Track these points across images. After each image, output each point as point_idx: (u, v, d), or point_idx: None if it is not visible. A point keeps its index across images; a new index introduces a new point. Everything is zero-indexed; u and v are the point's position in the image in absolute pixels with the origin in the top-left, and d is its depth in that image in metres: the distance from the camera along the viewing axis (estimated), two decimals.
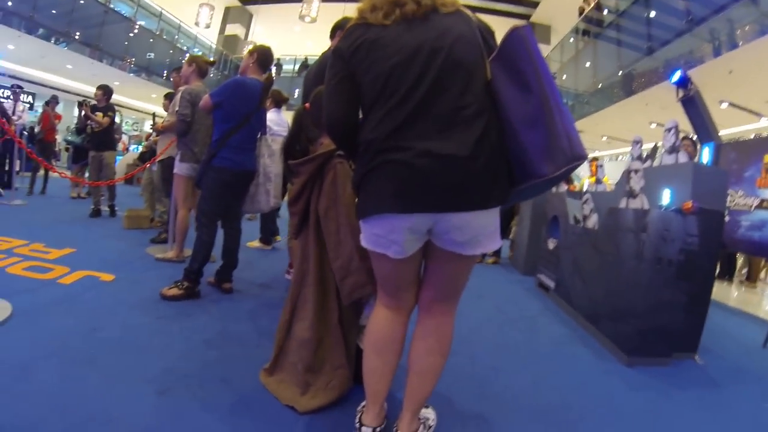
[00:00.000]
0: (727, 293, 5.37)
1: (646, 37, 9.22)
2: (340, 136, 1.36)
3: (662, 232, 2.48)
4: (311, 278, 1.77)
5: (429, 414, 1.64)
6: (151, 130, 5.98)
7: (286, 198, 2.89)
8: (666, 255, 2.49)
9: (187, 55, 8.44)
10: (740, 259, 6.76)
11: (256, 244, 4.69)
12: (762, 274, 6.73)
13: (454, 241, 1.24)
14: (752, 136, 8.07)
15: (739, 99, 10.27)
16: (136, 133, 17.83)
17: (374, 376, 1.47)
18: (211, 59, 3.42)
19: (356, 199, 1.71)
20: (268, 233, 4.70)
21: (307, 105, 1.86)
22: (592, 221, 3.36)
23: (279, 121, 4.14)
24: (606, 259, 3.02)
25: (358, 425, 1.50)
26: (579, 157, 1.13)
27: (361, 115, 1.31)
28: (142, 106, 17.41)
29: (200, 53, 16.16)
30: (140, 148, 10.00)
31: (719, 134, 4.63)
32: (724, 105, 10.24)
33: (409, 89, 1.17)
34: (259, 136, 2.87)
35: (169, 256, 3.46)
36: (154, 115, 5.47)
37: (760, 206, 4.47)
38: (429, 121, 1.17)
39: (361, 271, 1.64)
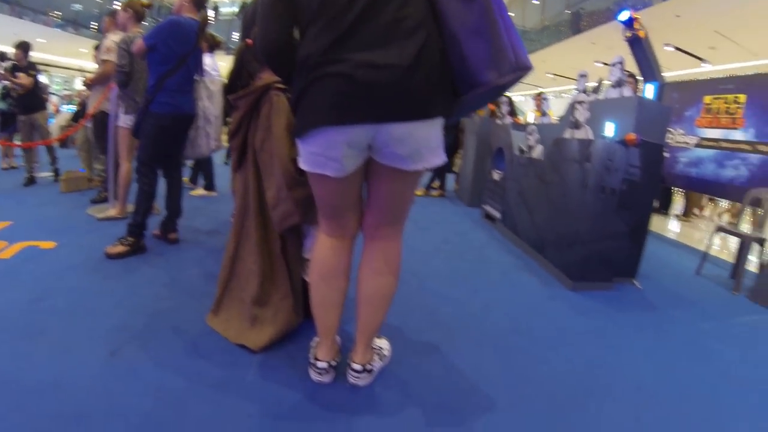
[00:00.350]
0: (663, 225, 5.73)
1: None
2: (275, 58, 1.28)
3: (606, 162, 2.56)
4: (252, 211, 1.77)
5: (383, 344, 1.66)
6: (84, 86, 5.50)
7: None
8: (609, 184, 2.59)
9: (118, 2, 7.71)
10: (677, 196, 7.20)
11: (200, 191, 4.55)
12: (696, 211, 7.22)
13: (396, 155, 1.21)
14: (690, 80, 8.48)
15: (684, 44, 10.62)
16: (67, 92, 16.45)
17: (323, 308, 1.46)
18: (146, 1, 3.13)
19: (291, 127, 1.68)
20: (212, 178, 4.59)
21: (249, 41, 1.81)
22: (538, 152, 3.43)
23: (213, 65, 3.91)
24: (551, 189, 3.12)
25: (312, 360, 1.50)
26: (524, 67, 1.12)
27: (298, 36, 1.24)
28: (72, 62, 16.00)
29: None
30: (73, 108, 9.27)
31: (663, 75, 4.78)
32: (669, 48, 10.55)
33: (348, 2, 1.12)
34: (196, 77, 2.70)
35: (111, 213, 3.29)
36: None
37: (698, 145, 4.72)
38: (368, 32, 1.11)
39: (289, 201, 1.65)
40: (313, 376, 1.50)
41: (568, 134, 2.98)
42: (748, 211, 3.71)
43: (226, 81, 1.93)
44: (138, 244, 2.56)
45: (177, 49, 2.50)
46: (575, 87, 3.22)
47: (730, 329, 2.48)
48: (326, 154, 1.20)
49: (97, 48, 4.03)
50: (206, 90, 2.74)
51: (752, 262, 3.32)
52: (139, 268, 2.37)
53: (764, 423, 1.61)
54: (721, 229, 3.58)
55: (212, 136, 2.79)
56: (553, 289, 2.73)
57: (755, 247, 3.24)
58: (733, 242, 5.14)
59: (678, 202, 7.33)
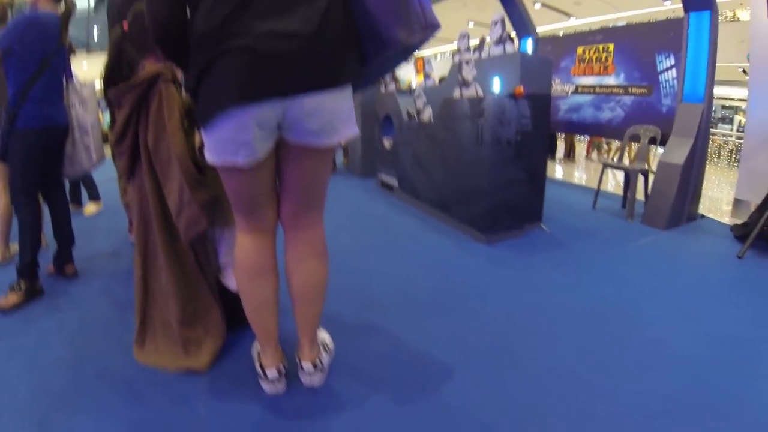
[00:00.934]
0: (552, 169, 6.25)
1: None
2: (169, 40, 1.14)
3: (499, 116, 2.69)
4: (155, 223, 1.56)
5: (324, 336, 1.59)
6: None
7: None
8: (504, 136, 2.74)
9: None
10: (560, 140, 7.89)
11: (91, 208, 4.03)
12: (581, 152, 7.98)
13: (308, 130, 1.13)
14: (561, 34, 9.23)
15: (551, 0, 11.46)
16: None
17: (258, 311, 1.35)
18: None
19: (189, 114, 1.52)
20: (95, 186, 4.09)
21: (125, 24, 1.58)
22: (427, 115, 3.50)
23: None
24: (446, 148, 3.21)
25: (260, 371, 1.39)
26: (433, 25, 1.08)
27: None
28: None
29: None
30: None
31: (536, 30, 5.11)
32: (537, 5, 11.34)
33: None
34: (65, 82, 2.33)
35: None
36: None
37: (576, 91, 5.15)
38: (267, 0, 1.02)
39: (193, 204, 1.47)
40: (267, 388, 1.40)
41: (457, 93, 3.07)
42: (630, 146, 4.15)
43: (101, 76, 1.68)
44: (33, 287, 2.17)
45: (38, 50, 2.12)
46: (457, 46, 3.31)
47: (632, 252, 2.82)
48: (236, 139, 1.09)
49: None
50: (77, 95, 2.37)
51: (639, 192, 3.73)
52: (42, 315, 2.02)
53: (673, 319, 1.92)
54: (607, 165, 3.97)
55: (92, 147, 2.43)
56: (466, 245, 2.85)
57: (639, 177, 3.63)
58: (612, 176, 5.77)
59: (560, 146, 8.03)
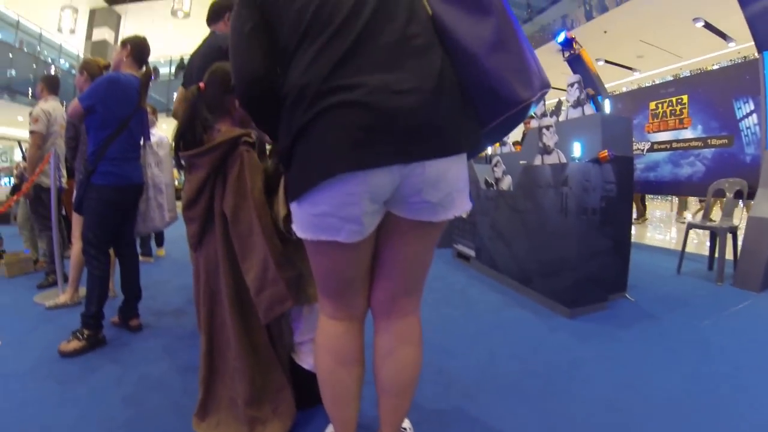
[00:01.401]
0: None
1: (525, 5, 9.73)
2: (257, 98, 1.03)
3: (583, 183, 2.53)
4: (225, 297, 1.48)
5: (405, 423, 1.45)
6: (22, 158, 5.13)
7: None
8: (590, 204, 2.56)
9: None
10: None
11: (162, 252, 4.26)
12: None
13: (425, 204, 0.99)
14: (624, 89, 9.04)
15: (613, 56, 11.33)
16: (5, 164, 15.53)
17: (339, 403, 1.21)
18: (105, 61, 2.82)
19: (279, 182, 1.42)
20: (162, 238, 4.42)
21: (201, 84, 1.54)
22: (506, 183, 3.39)
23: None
24: (527, 218, 3.06)
25: None
26: (548, 84, 0.98)
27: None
28: (7, 132, 15.15)
29: (67, 65, 14.38)
30: (12, 180, 8.68)
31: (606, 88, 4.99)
32: (601, 62, 11.23)
33: (346, 18, 0.93)
34: (142, 142, 2.46)
35: (61, 301, 2.93)
36: (19, 143, 4.68)
37: (651, 149, 4.90)
38: (377, 52, 0.92)
39: (279, 282, 1.38)
40: None
41: (538, 161, 2.97)
42: (712, 203, 3.84)
43: (173, 137, 1.58)
44: (96, 336, 2.21)
45: (117, 110, 2.25)
46: (533, 112, 3.24)
47: (727, 321, 2.53)
48: (341, 213, 0.95)
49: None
50: (154, 156, 2.50)
51: (728, 251, 3.39)
52: (102, 366, 2.02)
53: None
54: (692, 225, 3.66)
55: (165, 206, 2.52)
56: (550, 320, 2.63)
57: (728, 236, 3.31)
58: (695, 235, 5.32)
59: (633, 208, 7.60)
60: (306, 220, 1.00)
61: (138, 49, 2.39)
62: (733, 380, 1.84)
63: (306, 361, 1.56)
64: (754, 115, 3.63)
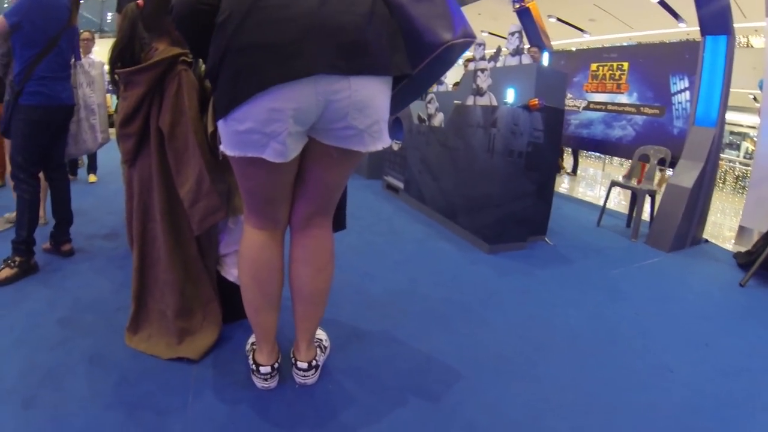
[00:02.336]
0: (558, 183, 6.28)
1: None
2: (195, 21, 1.01)
3: (512, 126, 2.68)
4: (158, 211, 1.52)
5: (321, 335, 1.56)
6: None
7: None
8: (516, 147, 2.72)
9: None
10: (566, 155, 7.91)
11: (93, 179, 4.17)
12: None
13: (353, 129, 1.02)
14: (573, 49, 9.28)
15: (566, 16, 11.48)
16: None
17: (260, 311, 1.30)
18: None
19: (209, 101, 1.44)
20: (94, 162, 4.30)
21: (139, 2, 1.51)
22: (438, 120, 3.49)
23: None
24: (456, 155, 3.20)
25: (253, 366, 1.35)
26: (472, 34, 1.02)
27: None
28: None
29: None
30: None
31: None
32: (552, 20, 11.37)
33: None
34: (72, 61, 2.32)
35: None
36: None
37: (587, 107, 5.15)
38: None
39: (213, 194, 1.43)
40: (258, 383, 1.36)
41: (470, 101, 3.06)
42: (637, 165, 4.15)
43: (110, 54, 1.57)
44: (28, 263, 2.15)
45: (46, 28, 2.11)
46: (472, 54, 3.31)
47: (635, 272, 2.80)
48: (266, 129, 0.96)
49: None
50: (86, 75, 2.37)
51: (645, 212, 3.72)
52: (35, 291, 2.00)
53: (675, 346, 1.89)
54: (615, 183, 3.96)
55: (98, 128, 2.42)
56: (471, 253, 2.83)
57: (647, 198, 3.63)
58: (622, 195, 5.77)
59: (567, 161, 8.03)
60: (232, 137, 1.01)
61: None
62: (634, 323, 2.05)
63: (230, 272, 1.64)
64: (687, 92, 3.87)
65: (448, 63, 1.07)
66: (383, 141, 1.09)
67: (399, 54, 1.01)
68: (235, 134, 1.00)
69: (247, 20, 0.91)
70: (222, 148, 1.08)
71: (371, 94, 0.99)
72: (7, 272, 2.09)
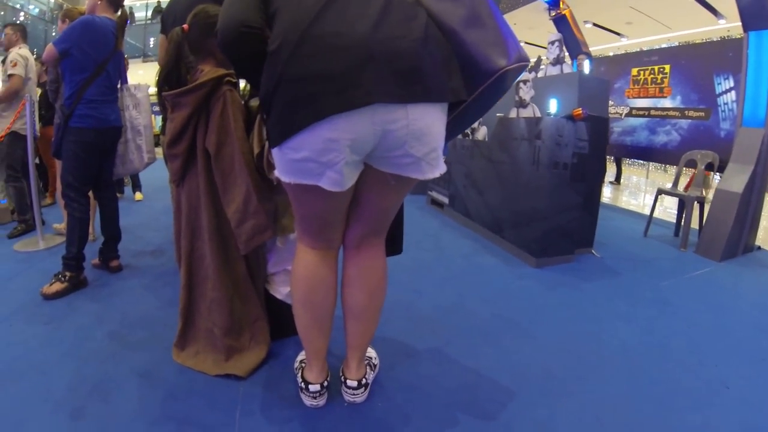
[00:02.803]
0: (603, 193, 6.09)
1: None
2: (240, 46, 1.01)
3: (556, 137, 2.60)
4: (206, 231, 1.54)
5: (371, 353, 1.55)
6: None
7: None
8: (561, 159, 2.64)
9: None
10: (609, 163, 7.66)
11: (139, 196, 4.38)
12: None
13: (411, 158, 1.01)
14: (611, 54, 8.98)
15: (602, 20, 11.22)
16: None
17: (311, 330, 1.29)
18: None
19: (260, 127, 1.46)
20: (138, 182, 4.58)
21: (185, 27, 1.56)
22: (482, 133, 3.45)
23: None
24: (501, 168, 3.14)
25: (302, 384, 1.34)
26: (526, 58, 0.99)
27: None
28: None
29: (37, 10, 13.64)
30: None
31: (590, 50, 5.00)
32: (589, 25, 11.13)
33: None
34: (119, 85, 2.44)
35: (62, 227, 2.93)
36: None
37: (629, 114, 4.99)
38: (364, 3, 0.93)
39: (260, 214, 1.44)
40: (307, 401, 1.35)
41: (513, 113, 3.01)
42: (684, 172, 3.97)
43: (157, 78, 1.62)
44: (77, 278, 2.25)
45: (93, 54, 2.23)
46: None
47: (686, 284, 2.65)
48: (321, 158, 0.96)
49: (2, 62, 3.63)
50: (132, 98, 2.48)
51: (693, 220, 3.53)
52: (84, 306, 2.07)
53: (731, 360, 1.77)
54: (662, 191, 3.79)
55: (144, 148, 2.52)
56: (518, 268, 2.76)
57: (695, 205, 3.45)
58: (668, 202, 5.52)
59: (610, 170, 7.77)
60: (288, 165, 1.01)
61: None
62: (686, 337, 1.95)
63: (279, 290, 1.65)
64: (733, 92, 3.69)
65: (503, 89, 1.04)
66: (440, 168, 1.07)
67: (455, 78, 0.99)
68: (291, 162, 1.00)
69: (300, 48, 0.91)
70: (277, 173, 1.08)
71: (429, 122, 0.98)
72: (57, 286, 2.17)
